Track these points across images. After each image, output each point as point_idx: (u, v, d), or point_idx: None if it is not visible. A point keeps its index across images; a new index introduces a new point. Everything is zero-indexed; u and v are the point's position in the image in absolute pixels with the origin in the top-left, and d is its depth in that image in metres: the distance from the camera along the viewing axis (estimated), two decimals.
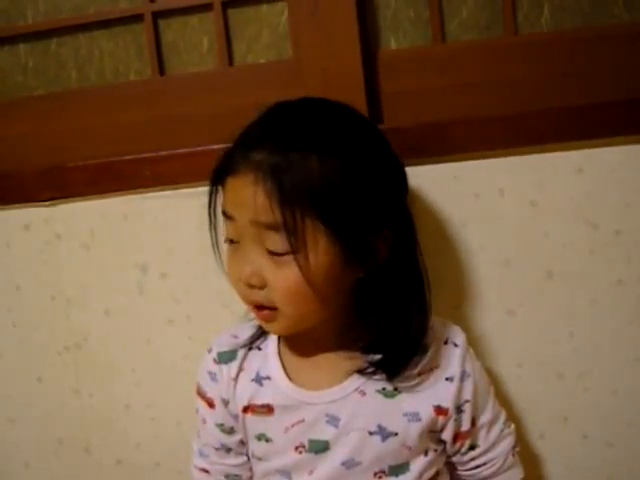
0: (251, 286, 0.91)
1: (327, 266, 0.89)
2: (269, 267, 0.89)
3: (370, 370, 0.95)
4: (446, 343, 1.00)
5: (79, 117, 1.30)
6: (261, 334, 1.03)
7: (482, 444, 1.02)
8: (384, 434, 0.96)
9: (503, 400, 1.13)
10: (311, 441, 0.98)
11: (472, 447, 1.02)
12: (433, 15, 1.19)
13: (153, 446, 1.29)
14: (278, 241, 0.87)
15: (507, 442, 1.03)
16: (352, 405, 0.96)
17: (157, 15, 1.27)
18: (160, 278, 1.22)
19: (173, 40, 1.28)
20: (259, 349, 1.03)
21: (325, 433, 0.97)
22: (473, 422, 1.00)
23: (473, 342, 1.12)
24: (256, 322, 1.01)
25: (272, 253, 0.88)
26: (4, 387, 1.33)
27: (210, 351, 1.05)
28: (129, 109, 1.27)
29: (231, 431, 1.04)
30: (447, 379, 0.98)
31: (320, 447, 0.97)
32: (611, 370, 1.11)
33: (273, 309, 0.92)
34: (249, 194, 0.86)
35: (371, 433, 0.96)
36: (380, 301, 0.94)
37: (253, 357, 1.02)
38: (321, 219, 0.86)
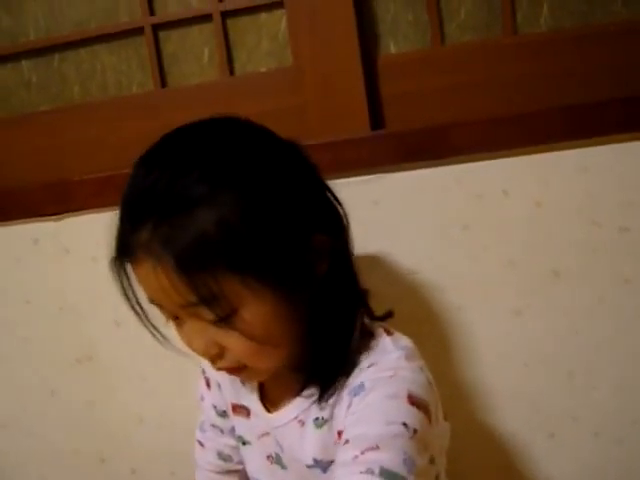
0: (212, 356, 0.82)
1: (268, 316, 0.79)
2: (220, 333, 0.79)
3: (306, 389, 0.87)
4: (369, 367, 0.84)
5: (83, 131, 1.31)
6: None
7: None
8: (322, 466, 0.87)
9: (511, 400, 1.14)
10: (277, 454, 0.94)
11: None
12: (432, 18, 1.19)
13: (167, 455, 1.29)
14: (208, 312, 0.77)
15: None
16: (291, 435, 0.89)
17: (157, 27, 1.28)
18: None
19: (174, 51, 1.29)
20: None
21: (279, 453, 0.93)
22: (339, 434, 0.84)
23: (480, 343, 1.13)
24: None
25: (213, 323, 0.79)
26: (19, 401, 1.34)
27: None
28: (132, 121, 1.28)
29: (224, 415, 1.03)
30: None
31: (282, 463, 0.93)
32: (619, 368, 1.11)
33: (243, 367, 0.83)
34: (156, 282, 0.76)
35: (309, 467, 0.88)
36: (322, 316, 0.84)
37: None
38: (237, 272, 0.75)
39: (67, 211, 1.25)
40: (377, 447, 0.74)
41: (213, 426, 1.06)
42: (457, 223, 1.11)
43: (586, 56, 1.14)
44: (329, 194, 0.87)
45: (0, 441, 1.36)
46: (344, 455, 0.76)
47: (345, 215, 0.87)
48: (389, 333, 0.88)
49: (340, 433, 0.83)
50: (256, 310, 0.78)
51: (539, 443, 1.15)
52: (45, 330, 1.30)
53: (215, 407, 1.04)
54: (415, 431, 0.76)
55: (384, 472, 0.72)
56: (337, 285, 0.84)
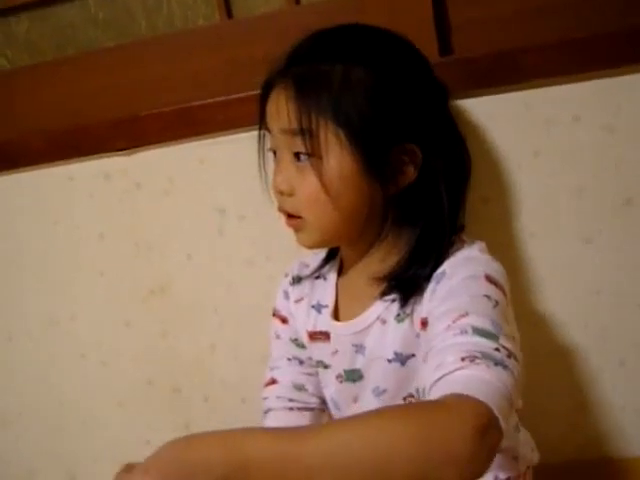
0: (282, 193, 0.95)
1: (344, 175, 0.90)
2: (296, 175, 0.92)
3: (387, 295, 0.96)
4: (448, 259, 0.93)
5: (151, 66, 1.31)
6: (326, 264, 1.07)
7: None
8: (402, 359, 0.95)
9: (581, 328, 1.14)
10: (346, 371, 1.01)
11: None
12: None
13: (238, 383, 1.33)
14: (300, 145, 0.90)
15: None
16: (374, 333, 0.97)
17: None
18: (239, 220, 1.25)
19: None
20: (325, 279, 1.06)
21: (356, 362, 1.00)
22: (422, 323, 0.92)
23: (550, 271, 1.13)
24: (325, 253, 1.07)
25: (297, 158, 0.92)
26: (95, 333, 1.38)
27: (287, 275, 1.12)
28: (199, 55, 1.28)
29: (303, 346, 1.09)
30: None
31: (355, 376, 1.01)
32: None
33: (299, 218, 0.94)
34: (276, 103, 0.92)
35: (390, 361, 0.96)
36: (405, 225, 0.95)
37: (317, 285, 1.07)
38: (339, 126, 0.89)
39: (137, 146, 1.27)
40: (466, 314, 0.81)
41: (289, 360, 1.11)
42: (527, 149, 1.10)
43: None
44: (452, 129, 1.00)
45: (79, 370, 1.41)
46: (436, 328, 0.82)
47: (463, 148, 1.00)
48: (464, 241, 0.96)
49: (423, 321, 0.90)
50: (335, 163, 0.90)
51: (610, 371, 1.15)
52: (119, 263, 1.33)
53: (295, 340, 1.10)
54: (497, 302, 0.84)
55: (477, 330, 0.78)
56: (422, 200, 0.94)
